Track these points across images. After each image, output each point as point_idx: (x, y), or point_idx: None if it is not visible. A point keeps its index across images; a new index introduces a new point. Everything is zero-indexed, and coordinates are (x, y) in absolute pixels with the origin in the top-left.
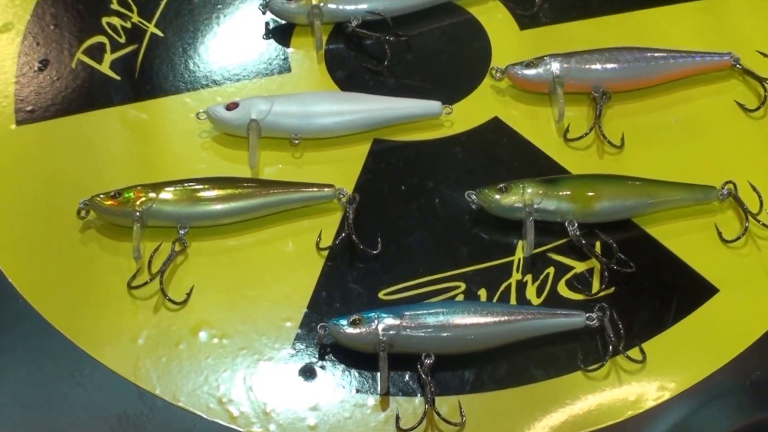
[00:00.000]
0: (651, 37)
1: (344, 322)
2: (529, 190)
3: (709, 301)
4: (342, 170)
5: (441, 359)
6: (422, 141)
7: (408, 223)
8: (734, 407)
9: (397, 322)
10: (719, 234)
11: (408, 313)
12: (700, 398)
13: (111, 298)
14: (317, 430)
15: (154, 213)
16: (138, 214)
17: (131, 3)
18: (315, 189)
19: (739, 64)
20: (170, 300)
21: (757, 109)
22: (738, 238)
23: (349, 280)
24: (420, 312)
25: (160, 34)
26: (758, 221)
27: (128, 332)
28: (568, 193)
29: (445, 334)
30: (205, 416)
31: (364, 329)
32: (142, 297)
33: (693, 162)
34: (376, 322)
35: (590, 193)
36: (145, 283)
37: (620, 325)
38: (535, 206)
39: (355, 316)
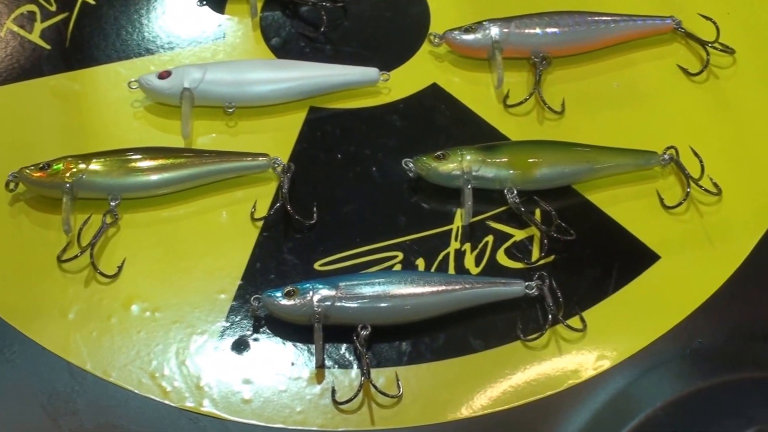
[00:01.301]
0: (592, 1)
1: (278, 293)
2: (468, 158)
3: (651, 268)
4: (277, 139)
5: (378, 330)
6: (359, 108)
7: (344, 193)
8: (675, 375)
9: (332, 293)
10: (661, 200)
11: (343, 283)
12: (641, 366)
13: (40, 273)
14: (251, 403)
15: (84, 184)
16: (68, 185)
17: None
18: (249, 158)
19: (681, 28)
20: (101, 273)
21: (700, 72)
22: (679, 204)
23: (284, 251)
24: (356, 282)
25: (92, 2)
26: (700, 186)
27: (58, 307)
28: (507, 159)
29: (381, 305)
30: (137, 391)
31: (298, 301)
32: (72, 271)
33: (634, 127)
34: (310, 293)
35: (530, 160)
36: (75, 257)
37: (559, 294)
38: (474, 174)
39: (289, 288)
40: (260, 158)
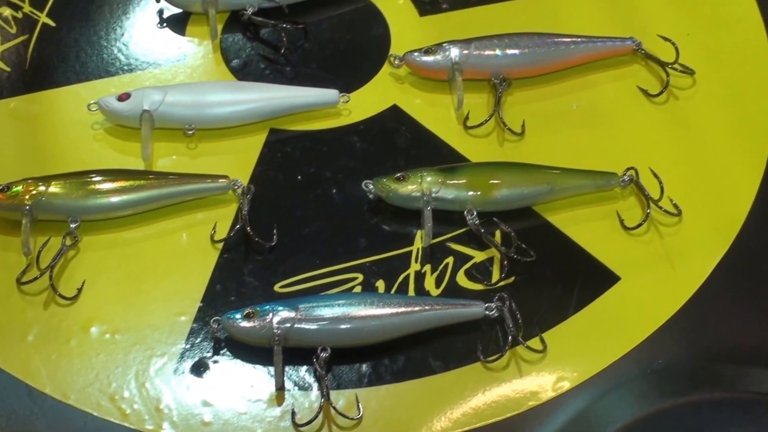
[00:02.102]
0: (552, 22)
1: (238, 315)
2: (428, 179)
3: (611, 289)
4: (237, 161)
5: (338, 352)
6: (319, 130)
7: (305, 214)
8: (636, 396)
9: (291, 314)
10: (621, 221)
11: (303, 305)
12: (601, 387)
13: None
14: (211, 426)
15: (44, 206)
16: (27, 207)
17: None
18: (209, 180)
19: (642, 49)
20: (61, 296)
21: (659, 93)
22: (639, 225)
23: (244, 273)
24: (315, 304)
25: (52, 24)
26: (660, 207)
27: (17, 329)
28: (467, 181)
29: (340, 327)
30: (96, 414)
31: (258, 323)
32: (31, 293)
33: (595, 149)
34: (270, 315)
35: (490, 181)
36: (35, 279)
37: (519, 315)
38: (434, 195)
39: (248, 310)
40: (220, 180)
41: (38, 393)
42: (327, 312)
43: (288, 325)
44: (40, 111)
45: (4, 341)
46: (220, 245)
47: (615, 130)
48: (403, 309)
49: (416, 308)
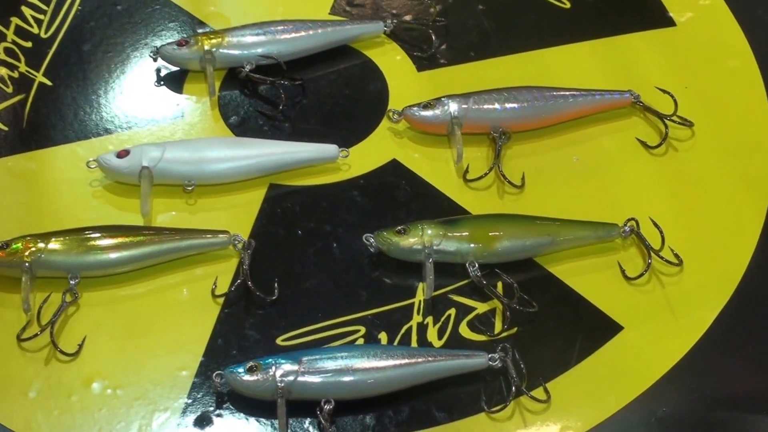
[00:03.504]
0: (550, 76)
1: (241, 369)
2: (429, 232)
3: (614, 338)
4: (237, 216)
5: (341, 404)
6: (319, 185)
7: (305, 268)
8: None
9: (294, 367)
10: (622, 271)
11: (306, 358)
12: None
13: (0, 351)
14: None
15: (43, 263)
16: (27, 264)
17: (18, 52)
18: (209, 236)
19: (640, 102)
20: (61, 352)
21: (658, 146)
22: (641, 275)
23: (246, 327)
24: (318, 357)
25: (49, 83)
26: (661, 257)
27: (18, 386)
28: (468, 233)
29: (344, 379)
30: None
31: (261, 376)
32: (32, 349)
33: (595, 200)
34: (273, 368)
35: (490, 233)
36: (35, 335)
37: (522, 365)
38: (435, 248)
39: (251, 363)
40: (220, 235)
41: None
42: (330, 364)
43: (291, 378)
44: (38, 169)
45: (5, 398)
46: (221, 300)
47: (615, 182)
48: (406, 360)
49: (419, 359)
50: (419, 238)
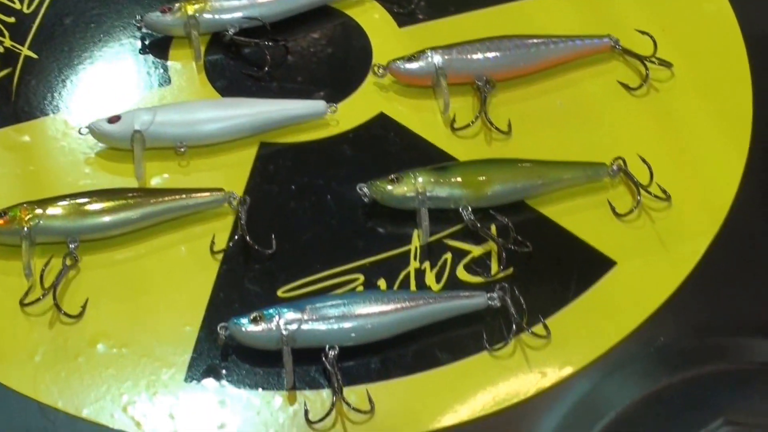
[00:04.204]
0: (530, 27)
1: (245, 320)
2: (420, 179)
3: (608, 274)
4: (230, 175)
5: (346, 349)
6: (310, 141)
7: (301, 222)
8: (641, 374)
9: (298, 316)
10: (612, 209)
11: (309, 306)
12: (606, 368)
13: (4, 318)
14: (225, 429)
15: (42, 229)
16: (26, 231)
17: (2, 28)
18: (205, 194)
19: (619, 46)
20: (65, 314)
21: (639, 87)
22: (631, 212)
23: (246, 281)
24: (320, 305)
25: (35, 56)
26: (649, 193)
27: (24, 350)
28: (460, 179)
29: (347, 325)
30: (110, 426)
31: (265, 326)
32: (36, 314)
33: (582, 143)
34: (276, 317)
35: (481, 178)
36: (38, 300)
37: (522, 302)
38: (428, 194)
39: (255, 314)
40: (216, 193)
41: (50, 410)
42: (333, 311)
43: (295, 326)
44: (31, 140)
45: (12, 363)
46: (220, 256)
47: (600, 124)
48: (407, 304)
49: (420, 302)
50: (412, 186)
